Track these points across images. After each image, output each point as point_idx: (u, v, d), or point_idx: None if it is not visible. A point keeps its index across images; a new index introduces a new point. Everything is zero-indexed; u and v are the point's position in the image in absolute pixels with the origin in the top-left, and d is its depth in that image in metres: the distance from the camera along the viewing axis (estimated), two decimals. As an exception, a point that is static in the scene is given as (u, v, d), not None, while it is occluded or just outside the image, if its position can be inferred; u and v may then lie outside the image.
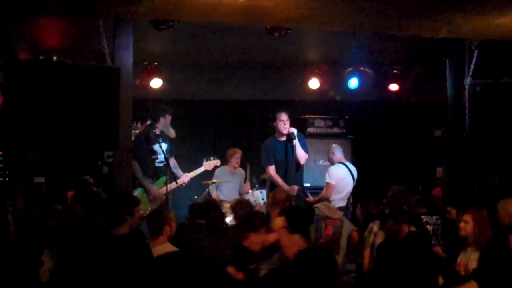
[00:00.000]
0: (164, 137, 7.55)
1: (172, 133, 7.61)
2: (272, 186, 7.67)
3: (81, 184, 7.39)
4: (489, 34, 6.70)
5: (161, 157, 7.37)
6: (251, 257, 4.69)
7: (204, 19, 6.57)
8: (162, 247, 4.78)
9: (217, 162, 8.17)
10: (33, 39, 7.79)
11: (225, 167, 9.05)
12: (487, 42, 7.09)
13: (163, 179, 7.33)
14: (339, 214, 6.44)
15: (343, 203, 7.92)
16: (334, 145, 8.41)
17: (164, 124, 7.52)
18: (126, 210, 4.81)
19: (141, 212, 5.68)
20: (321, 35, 7.76)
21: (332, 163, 8.08)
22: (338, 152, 8.13)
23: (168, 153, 7.45)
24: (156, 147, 7.42)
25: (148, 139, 7.43)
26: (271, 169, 7.64)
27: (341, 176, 7.93)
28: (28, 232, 4.65)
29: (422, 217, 5.97)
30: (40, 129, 5.97)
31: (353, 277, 6.44)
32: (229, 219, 8.21)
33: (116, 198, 5.21)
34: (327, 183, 7.85)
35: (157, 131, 7.41)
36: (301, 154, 7.55)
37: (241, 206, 6.09)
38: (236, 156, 9.17)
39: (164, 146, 7.41)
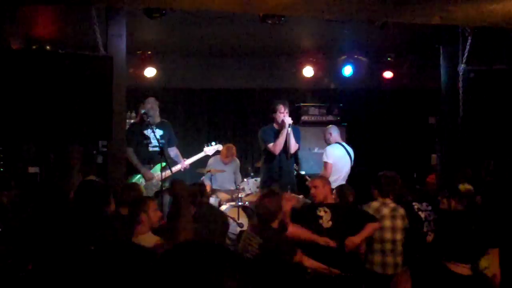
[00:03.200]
0: (162, 124, 7.62)
1: (155, 118, 7.62)
2: (265, 174, 7.68)
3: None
4: (482, 21, 6.67)
5: (154, 142, 7.41)
6: None
7: (197, 7, 6.53)
8: (143, 238, 4.39)
9: (219, 147, 8.17)
10: (25, 28, 7.73)
11: (217, 157, 9.07)
12: (480, 29, 7.07)
13: (158, 166, 7.33)
14: None
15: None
16: (331, 125, 8.45)
17: (149, 109, 7.55)
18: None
19: None
20: (315, 22, 7.72)
21: (329, 143, 8.09)
22: (335, 132, 8.16)
23: (165, 140, 7.49)
24: (147, 132, 7.48)
25: (141, 125, 7.56)
26: (272, 146, 7.59)
27: (338, 155, 7.93)
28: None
29: (414, 204, 5.95)
30: (33, 119, 5.94)
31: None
32: (224, 207, 8.24)
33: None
34: (325, 162, 7.84)
35: (147, 118, 7.47)
36: (292, 144, 7.54)
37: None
38: (228, 148, 9.16)
39: (159, 132, 7.45)
